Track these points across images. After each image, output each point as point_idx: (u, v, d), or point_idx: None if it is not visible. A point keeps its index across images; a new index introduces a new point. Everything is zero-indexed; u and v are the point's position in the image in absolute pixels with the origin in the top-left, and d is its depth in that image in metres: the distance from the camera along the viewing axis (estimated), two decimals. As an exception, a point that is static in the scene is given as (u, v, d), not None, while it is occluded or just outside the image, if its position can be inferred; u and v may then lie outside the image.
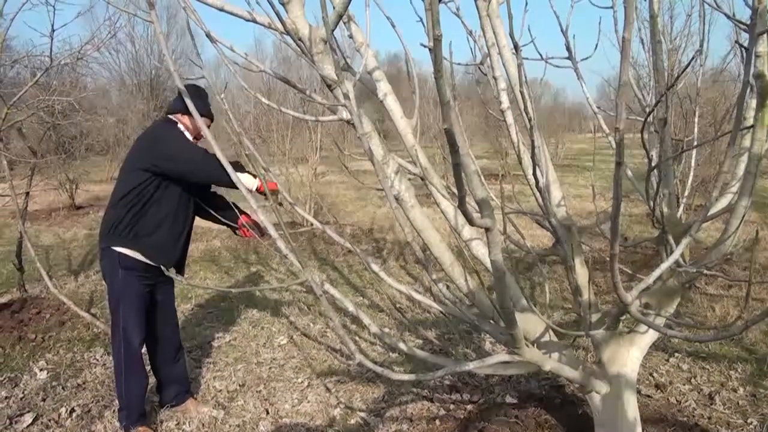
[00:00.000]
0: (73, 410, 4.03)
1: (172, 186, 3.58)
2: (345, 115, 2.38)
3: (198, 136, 3.73)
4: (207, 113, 3.69)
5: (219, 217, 3.78)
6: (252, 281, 7.51)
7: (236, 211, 3.85)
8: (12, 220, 11.33)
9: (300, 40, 2.34)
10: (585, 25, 3.55)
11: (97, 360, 4.86)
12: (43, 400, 4.19)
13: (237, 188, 3.38)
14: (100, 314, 5.93)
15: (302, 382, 4.41)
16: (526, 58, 2.66)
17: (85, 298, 6.51)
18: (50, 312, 5.86)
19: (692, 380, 4.20)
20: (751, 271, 1.90)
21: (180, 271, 3.81)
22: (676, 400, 3.93)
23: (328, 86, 2.44)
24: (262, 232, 3.85)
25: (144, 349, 3.79)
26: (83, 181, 14.15)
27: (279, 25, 2.29)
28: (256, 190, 3.56)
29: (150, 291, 3.72)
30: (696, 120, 3.96)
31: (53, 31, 5.24)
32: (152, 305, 3.79)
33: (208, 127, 3.54)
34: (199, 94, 3.68)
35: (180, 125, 3.69)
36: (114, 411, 3.95)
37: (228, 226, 3.87)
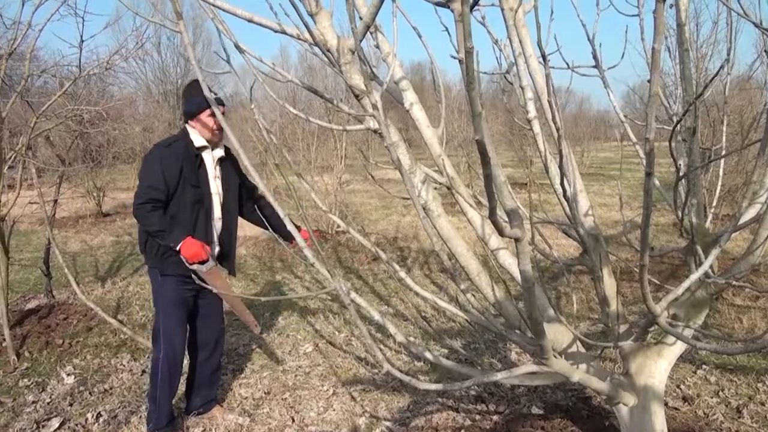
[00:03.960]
0: (99, 415, 4.06)
1: (180, 200, 3.57)
2: (372, 124, 2.39)
3: (215, 131, 3.62)
4: (203, 106, 3.55)
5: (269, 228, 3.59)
6: (277, 289, 7.54)
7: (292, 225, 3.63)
8: (40, 227, 11.49)
9: (328, 50, 2.36)
10: (610, 32, 3.53)
11: (124, 366, 4.91)
12: (70, 404, 4.24)
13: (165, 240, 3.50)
14: (126, 320, 6.00)
15: (327, 390, 4.41)
16: (553, 67, 2.65)
17: (111, 305, 6.58)
18: (77, 318, 5.93)
19: (720, 393, 4.14)
20: (783, 282, 1.88)
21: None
22: (704, 413, 3.88)
23: (356, 96, 2.45)
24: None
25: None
26: (110, 188, 14.32)
27: (308, 36, 2.30)
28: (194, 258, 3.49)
29: (193, 297, 3.77)
30: (724, 128, 3.92)
31: (82, 41, 5.32)
32: (195, 312, 3.86)
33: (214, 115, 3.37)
34: (192, 92, 3.62)
35: (192, 131, 3.65)
36: (141, 417, 3.99)
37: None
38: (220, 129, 3.57)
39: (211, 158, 3.72)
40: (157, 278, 3.67)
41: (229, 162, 3.85)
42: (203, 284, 3.24)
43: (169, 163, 3.50)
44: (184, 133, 3.66)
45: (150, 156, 3.57)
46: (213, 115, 3.51)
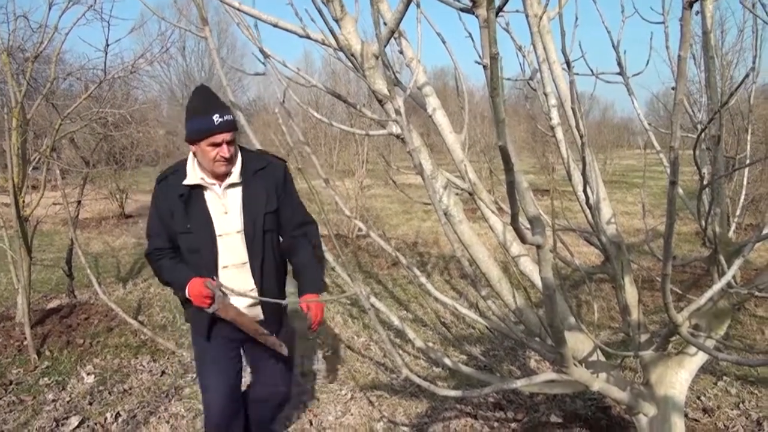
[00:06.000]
0: (118, 415, 4.10)
1: (181, 248, 2.93)
2: (395, 129, 2.40)
3: (220, 162, 2.74)
4: (203, 134, 2.69)
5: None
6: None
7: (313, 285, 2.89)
8: (63, 228, 11.60)
9: (352, 55, 2.37)
10: (634, 39, 3.52)
11: (144, 366, 4.94)
12: (90, 404, 4.28)
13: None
14: (147, 322, 6.04)
15: (345, 394, 4.41)
16: (577, 74, 2.65)
17: (132, 305, 6.63)
18: (98, 318, 5.98)
19: (740, 405, 4.10)
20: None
21: (271, 327, 2.98)
22: (724, 425, 3.84)
23: (379, 101, 2.46)
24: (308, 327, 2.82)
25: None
26: (133, 190, 14.44)
27: (332, 41, 2.32)
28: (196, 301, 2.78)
29: (235, 354, 3.09)
30: (749, 137, 3.89)
31: (107, 45, 5.38)
32: (241, 369, 3.17)
33: (221, 144, 2.69)
34: (193, 108, 2.75)
35: (191, 159, 2.85)
36: (159, 417, 4.03)
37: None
38: (229, 159, 2.75)
39: (215, 192, 2.84)
40: (191, 335, 3.20)
41: (252, 182, 2.87)
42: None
43: (161, 202, 2.88)
44: (185, 163, 2.88)
45: (152, 196, 2.95)
46: (218, 144, 2.69)
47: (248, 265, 2.87)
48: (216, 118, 2.65)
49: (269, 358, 3.04)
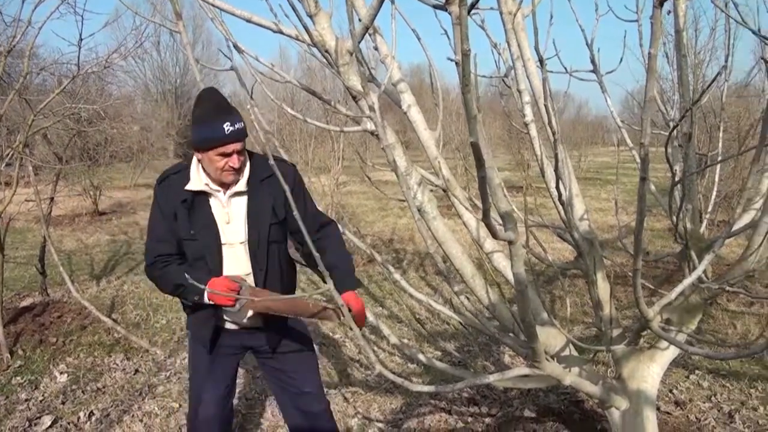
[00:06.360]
0: (92, 414, 4.06)
1: (187, 249, 2.69)
2: (369, 126, 2.40)
3: (227, 172, 2.54)
4: (214, 139, 2.46)
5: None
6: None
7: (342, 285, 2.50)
8: (36, 225, 11.45)
9: (327, 51, 2.36)
10: (609, 37, 3.55)
11: (117, 365, 4.90)
12: (63, 403, 4.23)
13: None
14: (120, 319, 5.99)
15: (320, 391, 4.41)
16: (551, 71, 2.66)
17: (106, 303, 6.56)
18: (71, 316, 5.92)
19: (712, 398, 4.16)
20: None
21: (273, 336, 2.80)
22: (696, 418, 3.89)
23: (353, 97, 2.46)
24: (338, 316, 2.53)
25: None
26: (107, 187, 14.32)
27: (306, 37, 2.32)
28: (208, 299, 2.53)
29: (233, 366, 2.94)
30: (720, 135, 3.94)
31: (81, 40, 5.31)
32: (235, 379, 3.01)
33: (231, 153, 2.49)
34: (202, 113, 2.50)
35: (196, 164, 2.63)
36: (133, 416, 4.00)
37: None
38: (238, 169, 2.56)
39: (219, 200, 2.65)
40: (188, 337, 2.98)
41: (259, 191, 2.67)
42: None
43: (163, 204, 2.65)
44: (189, 163, 2.68)
45: (153, 199, 2.72)
46: (227, 154, 2.49)
47: (252, 276, 2.68)
48: (227, 126, 2.43)
49: (294, 370, 2.86)
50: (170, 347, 5.32)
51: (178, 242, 2.64)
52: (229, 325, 2.74)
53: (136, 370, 4.78)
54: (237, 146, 2.48)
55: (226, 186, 2.61)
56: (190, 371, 2.94)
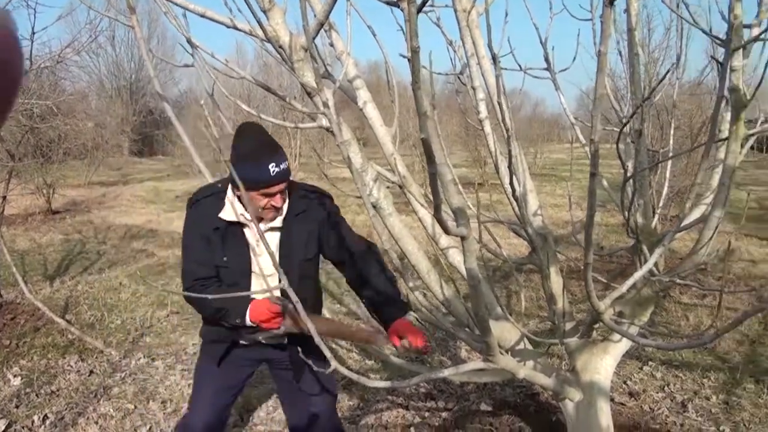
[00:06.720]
0: (46, 417, 3.99)
1: (221, 274, 2.59)
2: (325, 122, 2.40)
3: (268, 210, 2.48)
4: (260, 181, 2.36)
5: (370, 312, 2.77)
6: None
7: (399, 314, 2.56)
8: (-13, 224, 11.21)
9: (281, 47, 2.35)
10: (564, 36, 3.59)
11: (71, 366, 4.82)
12: (17, 406, 4.15)
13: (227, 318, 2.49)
14: (75, 320, 5.89)
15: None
16: (505, 69, 2.69)
17: (60, 304, 6.44)
18: (25, 318, 5.80)
19: (665, 388, 4.25)
20: (724, 280, 1.94)
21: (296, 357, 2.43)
22: (650, 408, 3.97)
23: (308, 94, 2.45)
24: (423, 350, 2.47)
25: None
26: (60, 185, 14.03)
27: (260, 33, 2.30)
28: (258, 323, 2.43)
29: (239, 381, 2.84)
30: (672, 132, 4.02)
31: (33, 33, 5.20)
32: (238, 393, 2.92)
33: (275, 194, 2.43)
34: (246, 152, 2.38)
35: (231, 197, 2.51)
36: (88, 418, 3.94)
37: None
38: (279, 209, 2.51)
39: (252, 231, 2.56)
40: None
41: (293, 227, 2.60)
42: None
43: (197, 228, 2.55)
44: (223, 187, 2.57)
45: (185, 221, 2.61)
46: (270, 194, 2.42)
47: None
48: (272, 168, 2.34)
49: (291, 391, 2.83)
50: (125, 348, 5.25)
51: (215, 266, 2.55)
52: (247, 340, 2.62)
53: (91, 372, 4.71)
54: (281, 187, 2.43)
55: (261, 220, 2.54)
56: (195, 380, 2.87)
